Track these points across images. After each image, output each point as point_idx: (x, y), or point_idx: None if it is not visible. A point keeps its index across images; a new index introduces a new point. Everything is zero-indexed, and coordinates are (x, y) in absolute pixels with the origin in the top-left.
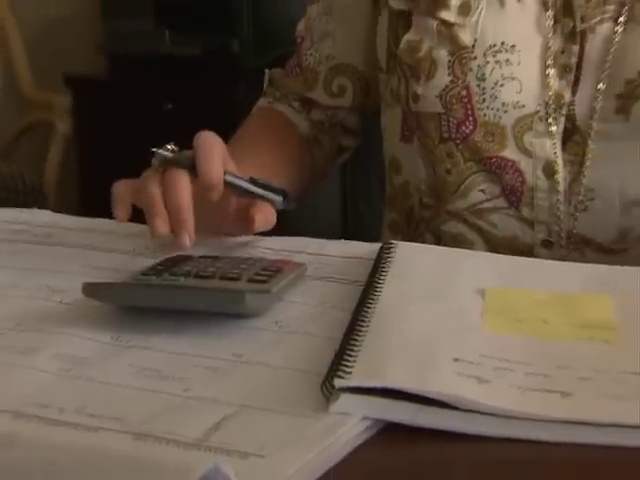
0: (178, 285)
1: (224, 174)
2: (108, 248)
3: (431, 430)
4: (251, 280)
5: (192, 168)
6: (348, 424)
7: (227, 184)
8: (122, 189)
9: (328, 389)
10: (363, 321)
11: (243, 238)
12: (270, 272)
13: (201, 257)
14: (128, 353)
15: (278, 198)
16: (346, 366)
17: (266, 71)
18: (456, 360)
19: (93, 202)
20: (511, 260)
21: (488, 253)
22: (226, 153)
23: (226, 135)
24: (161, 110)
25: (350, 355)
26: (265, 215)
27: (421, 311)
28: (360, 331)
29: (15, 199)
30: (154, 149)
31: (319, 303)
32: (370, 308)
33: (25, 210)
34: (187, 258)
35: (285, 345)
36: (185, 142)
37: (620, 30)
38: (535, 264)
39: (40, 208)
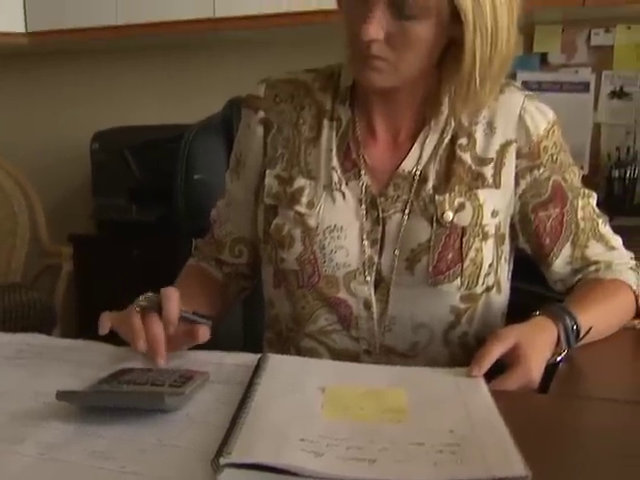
0: (121, 391)
1: (180, 312)
2: (79, 362)
3: None
4: (171, 385)
5: (159, 309)
6: None
7: (181, 318)
8: (107, 316)
9: (216, 464)
10: (243, 414)
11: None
12: (184, 379)
13: (140, 369)
14: (84, 439)
15: (209, 322)
16: (228, 448)
17: (193, 240)
18: (302, 440)
19: (87, 317)
20: (344, 365)
21: (330, 360)
22: (179, 299)
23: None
24: (131, 255)
25: (231, 439)
26: (205, 332)
27: (282, 404)
28: (239, 421)
29: (34, 316)
30: (138, 300)
31: (217, 400)
32: (248, 403)
33: (29, 334)
34: (130, 370)
35: (192, 431)
36: (145, 274)
37: (406, 218)
38: (359, 367)
39: (50, 323)
